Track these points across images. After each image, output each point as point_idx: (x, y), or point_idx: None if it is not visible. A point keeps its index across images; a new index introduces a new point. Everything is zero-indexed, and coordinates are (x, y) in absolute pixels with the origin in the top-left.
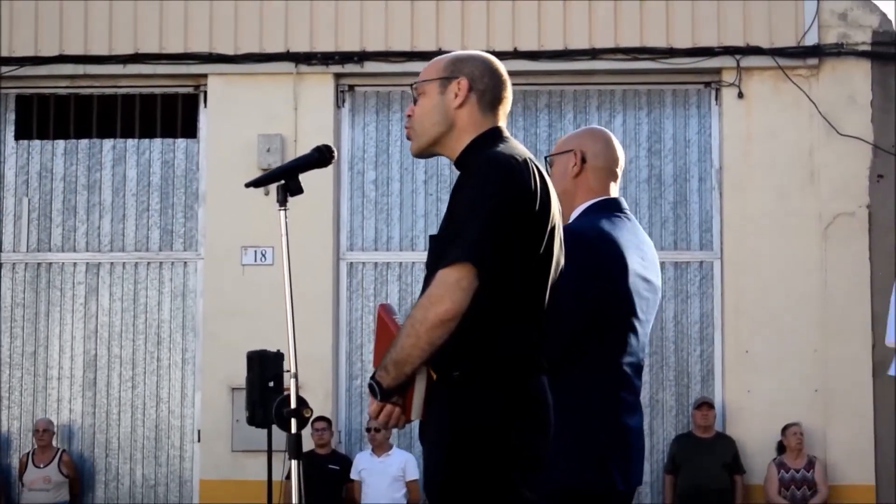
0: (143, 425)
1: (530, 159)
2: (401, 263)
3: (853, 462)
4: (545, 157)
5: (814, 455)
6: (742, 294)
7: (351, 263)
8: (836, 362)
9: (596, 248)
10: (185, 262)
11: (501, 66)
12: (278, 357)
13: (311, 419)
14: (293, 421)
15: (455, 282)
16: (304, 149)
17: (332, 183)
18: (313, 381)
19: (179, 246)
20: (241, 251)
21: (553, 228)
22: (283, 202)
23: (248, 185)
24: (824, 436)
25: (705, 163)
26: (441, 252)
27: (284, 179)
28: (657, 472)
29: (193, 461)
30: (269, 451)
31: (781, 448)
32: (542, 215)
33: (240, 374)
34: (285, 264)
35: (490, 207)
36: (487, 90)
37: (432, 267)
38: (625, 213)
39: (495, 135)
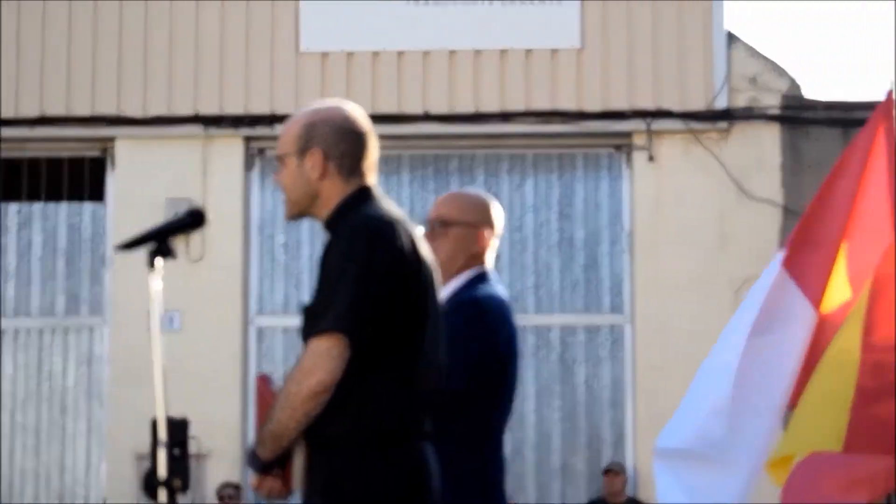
0: (47, 496)
1: (397, 220)
2: None
3: None
4: (437, 220)
5: None
6: (653, 358)
7: (260, 328)
8: None
9: (497, 317)
10: (92, 328)
11: (358, 119)
12: (183, 423)
13: (221, 485)
14: (161, 492)
15: (326, 351)
16: (212, 212)
17: (240, 247)
18: (221, 447)
19: (86, 311)
20: (149, 316)
21: (427, 287)
22: (152, 265)
23: (118, 249)
24: None
25: (616, 226)
26: (312, 322)
27: (156, 242)
28: None
29: None
30: None
31: None
32: (414, 275)
33: (147, 442)
34: (154, 332)
35: (357, 273)
36: (346, 155)
37: (306, 337)
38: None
39: (362, 196)
